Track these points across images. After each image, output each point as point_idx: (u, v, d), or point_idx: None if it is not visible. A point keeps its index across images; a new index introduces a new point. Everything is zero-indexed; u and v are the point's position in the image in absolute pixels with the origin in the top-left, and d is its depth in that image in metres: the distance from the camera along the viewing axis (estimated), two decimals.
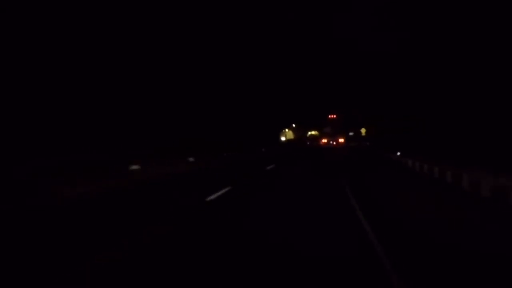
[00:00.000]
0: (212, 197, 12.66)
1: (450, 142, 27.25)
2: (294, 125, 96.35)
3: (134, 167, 19.64)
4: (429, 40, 33.42)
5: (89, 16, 25.76)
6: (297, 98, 74.27)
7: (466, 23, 28.66)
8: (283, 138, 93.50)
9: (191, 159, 28.01)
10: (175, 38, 34.72)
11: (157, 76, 32.41)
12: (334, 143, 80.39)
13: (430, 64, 33.71)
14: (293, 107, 76.14)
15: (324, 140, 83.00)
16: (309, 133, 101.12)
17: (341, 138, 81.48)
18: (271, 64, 57.59)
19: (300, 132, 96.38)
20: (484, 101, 26.46)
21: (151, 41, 31.40)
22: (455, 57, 30.02)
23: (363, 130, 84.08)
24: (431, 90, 33.77)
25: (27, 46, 22.51)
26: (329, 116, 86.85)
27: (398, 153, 30.10)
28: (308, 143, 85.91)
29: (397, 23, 39.09)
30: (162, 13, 33.60)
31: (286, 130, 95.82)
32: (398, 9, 38.69)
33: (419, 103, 36.75)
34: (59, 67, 24.54)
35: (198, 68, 38.80)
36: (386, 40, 41.71)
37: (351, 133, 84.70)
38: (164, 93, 33.28)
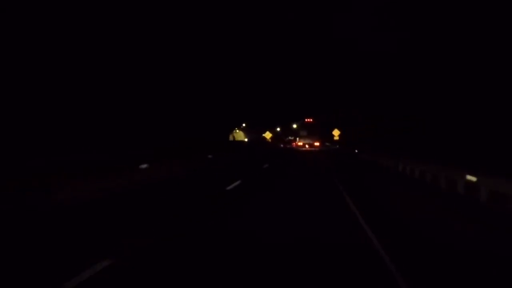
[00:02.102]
0: None
1: (448, 143, 27.24)
2: (244, 125, 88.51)
3: None
4: (429, 40, 33.41)
5: (89, 16, 25.74)
6: (279, 99, 73.96)
7: (466, 23, 28.64)
8: (246, 139, 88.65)
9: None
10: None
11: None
12: (307, 146, 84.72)
13: (430, 64, 33.70)
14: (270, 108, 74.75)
15: (300, 143, 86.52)
16: (263, 135, 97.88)
17: (316, 141, 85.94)
18: (271, 64, 57.58)
19: (255, 134, 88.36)
20: (484, 101, 26.46)
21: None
22: (455, 57, 30.01)
23: (336, 133, 77.56)
24: (431, 90, 33.76)
25: (27, 46, 22.52)
26: (306, 120, 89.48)
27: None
28: (282, 145, 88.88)
29: (397, 23, 39.08)
30: (162, 13, 33.59)
31: (237, 130, 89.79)
32: (398, 9, 38.67)
33: (419, 103, 36.74)
34: (59, 67, 24.54)
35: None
36: (386, 40, 41.69)
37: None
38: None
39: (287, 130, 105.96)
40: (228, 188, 16.08)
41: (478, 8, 27.59)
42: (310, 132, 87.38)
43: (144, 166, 19.40)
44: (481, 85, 27.04)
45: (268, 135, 77.42)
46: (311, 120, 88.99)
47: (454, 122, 29.80)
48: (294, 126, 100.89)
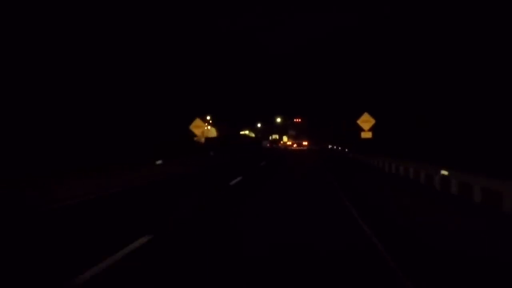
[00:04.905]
0: None
1: (445, 143, 27.26)
2: (208, 118, 79.34)
3: None
4: (429, 40, 33.46)
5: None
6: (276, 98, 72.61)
7: (466, 23, 28.70)
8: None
9: None
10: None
11: None
12: (295, 145, 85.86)
13: (430, 64, 33.74)
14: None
15: (289, 143, 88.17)
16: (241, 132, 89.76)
17: (304, 141, 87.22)
18: (266, 60, 57.57)
19: (227, 130, 76.26)
20: (484, 101, 26.48)
21: None
22: (455, 57, 30.05)
23: (366, 124, 34.06)
24: (431, 90, 33.79)
25: (29, 47, 22.53)
26: (294, 120, 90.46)
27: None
28: (268, 145, 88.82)
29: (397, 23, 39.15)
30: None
31: (208, 127, 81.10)
32: (398, 8, 38.74)
33: (419, 103, 36.75)
34: (58, 68, 24.49)
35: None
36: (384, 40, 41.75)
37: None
38: None
39: (270, 127, 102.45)
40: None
41: (478, 8, 27.66)
42: (298, 131, 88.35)
43: None
44: (481, 85, 27.05)
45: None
46: (299, 120, 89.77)
47: (454, 122, 29.81)
48: (278, 120, 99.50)
